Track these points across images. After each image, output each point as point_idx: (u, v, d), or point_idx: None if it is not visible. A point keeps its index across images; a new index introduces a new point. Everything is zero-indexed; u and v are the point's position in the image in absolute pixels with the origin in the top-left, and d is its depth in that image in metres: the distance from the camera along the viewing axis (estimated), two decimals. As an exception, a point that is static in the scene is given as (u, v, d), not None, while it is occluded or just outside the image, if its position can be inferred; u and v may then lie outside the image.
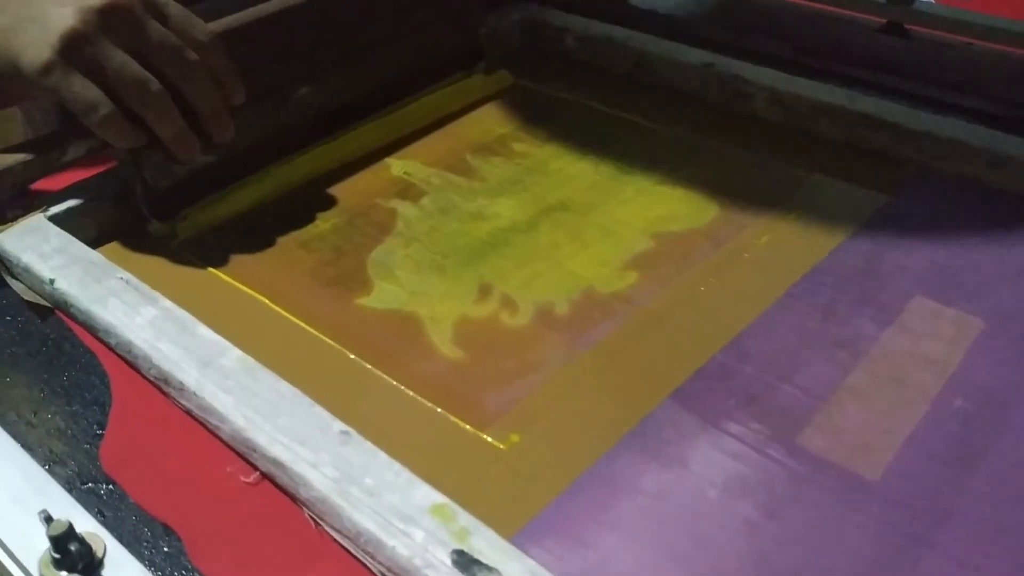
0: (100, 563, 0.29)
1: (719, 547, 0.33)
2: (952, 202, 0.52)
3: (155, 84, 0.43)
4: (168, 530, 0.33)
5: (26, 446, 0.36)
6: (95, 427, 0.38)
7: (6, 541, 0.30)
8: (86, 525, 0.31)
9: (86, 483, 0.35)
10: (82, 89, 0.42)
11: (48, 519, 0.28)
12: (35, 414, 0.39)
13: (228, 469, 0.35)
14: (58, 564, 0.28)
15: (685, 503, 0.34)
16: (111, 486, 0.35)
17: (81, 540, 0.29)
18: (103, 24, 0.42)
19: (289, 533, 0.33)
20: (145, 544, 0.32)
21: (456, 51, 0.62)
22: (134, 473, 0.36)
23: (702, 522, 0.34)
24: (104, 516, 0.33)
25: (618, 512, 0.34)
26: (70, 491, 0.33)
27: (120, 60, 0.42)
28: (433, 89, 0.61)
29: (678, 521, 0.34)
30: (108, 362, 0.41)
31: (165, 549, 0.32)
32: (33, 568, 0.29)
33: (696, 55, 0.62)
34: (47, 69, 0.42)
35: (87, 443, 0.37)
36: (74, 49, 0.42)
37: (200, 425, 0.37)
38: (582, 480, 0.35)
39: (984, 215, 0.50)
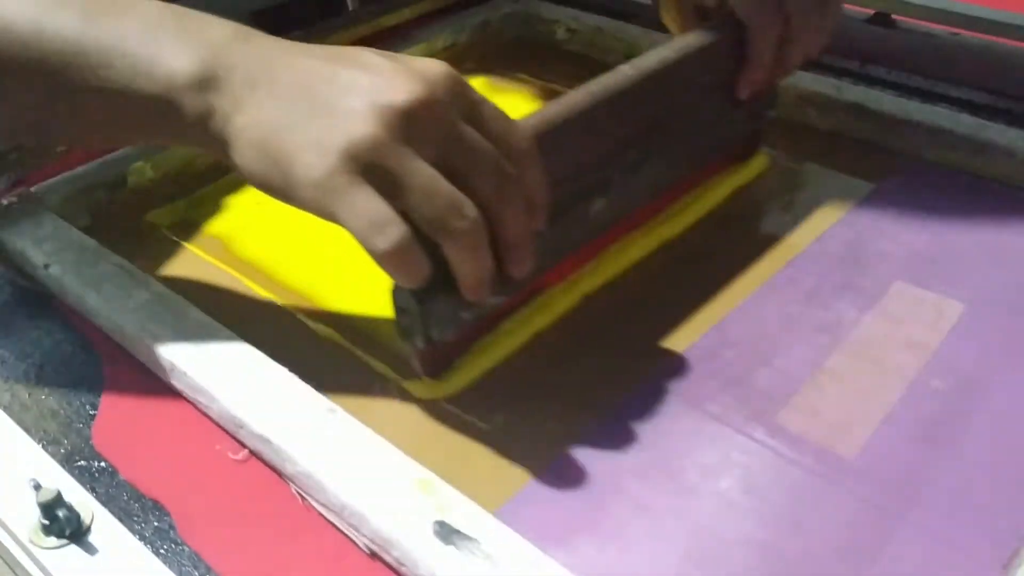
0: (88, 529, 0.30)
1: (699, 523, 0.33)
2: (936, 189, 0.52)
3: (472, 209, 0.33)
4: (158, 506, 0.34)
5: (20, 425, 0.37)
6: (88, 407, 0.38)
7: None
8: (75, 494, 0.31)
9: (78, 461, 0.36)
10: (370, 204, 0.31)
11: (37, 487, 0.29)
12: (29, 395, 0.39)
13: (217, 447, 0.36)
14: (47, 530, 0.29)
15: (666, 481, 0.35)
16: (103, 464, 0.36)
17: (69, 507, 0.29)
18: (408, 129, 0.32)
19: (276, 509, 0.34)
20: (135, 519, 0.33)
21: (742, 139, 0.53)
22: (125, 451, 0.36)
23: (683, 499, 0.34)
24: (96, 492, 0.34)
25: (599, 489, 0.35)
26: (62, 466, 0.34)
27: (428, 176, 0.32)
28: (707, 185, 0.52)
29: (658, 499, 0.34)
30: (100, 345, 0.41)
31: (155, 524, 0.33)
32: (23, 535, 0.30)
33: (686, 46, 0.63)
34: (326, 183, 0.31)
35: (80, 423, 0.38)
36: (366, 159, 0.31)
37: (190, 405, 0.38)
38: (564, 459, 0.36)
39: (967, 202, 0.51)
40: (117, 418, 0.38)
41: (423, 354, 0.38)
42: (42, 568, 0.29)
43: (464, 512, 0.30)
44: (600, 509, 0.34)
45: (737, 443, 0.36)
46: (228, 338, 0.38)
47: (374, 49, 0.35)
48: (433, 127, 0.32)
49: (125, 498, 0.34)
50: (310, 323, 0.43)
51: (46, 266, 0.43)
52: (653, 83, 0.44)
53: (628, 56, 0.64)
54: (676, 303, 0.44)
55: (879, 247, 0.47)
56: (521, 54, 0.68)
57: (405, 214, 0.32)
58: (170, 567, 0.30)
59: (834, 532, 0.33)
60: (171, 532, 0.33)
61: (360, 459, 0.32)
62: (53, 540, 0.29)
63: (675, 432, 0.37)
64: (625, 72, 0.43)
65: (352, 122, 0.31)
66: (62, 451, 0.36)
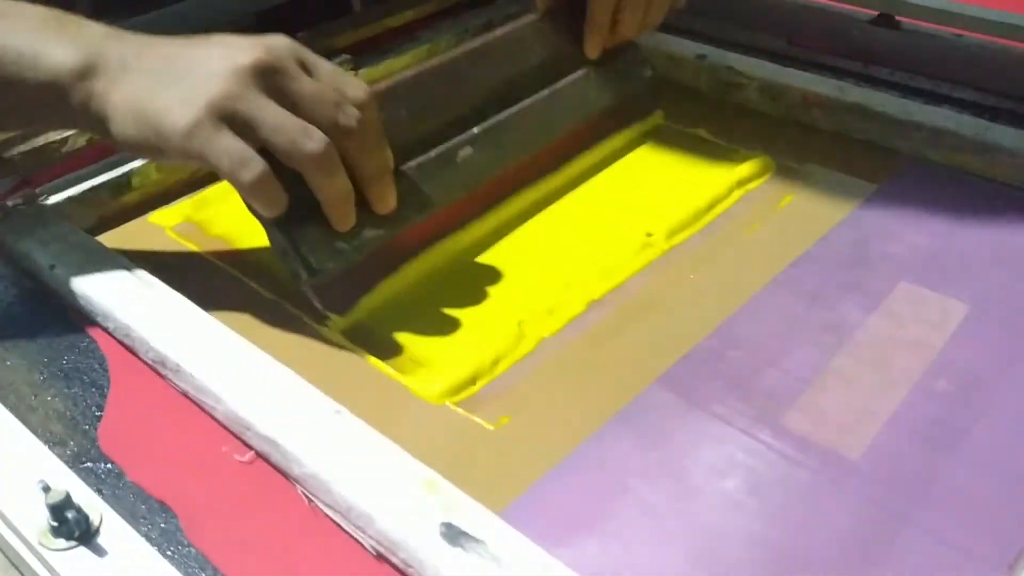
0: (96, 531, 0.30)
1: (704, 524, 0.33)
2: (940, 190, 0.52)
3: (319, 133, 0.39)
4: (165, 507, 0.34)
5: (27, 427, 0.37)
6: (94, 409, 0.38)
7: (6, 512, 0.31)
8: (83, 496, 0.31)
9: (85, 463, 0.36)
10: (233, 145, 0.38)
11: (46, 488, 0.29)
12: (35, 397, 0.39)
13: (223, 449, 0.36)
14: (55, 532, 0.29)
15: (671, 482, 0.35)
16: (109, 465, 0.36)
17: (78, 509, 0.29)
18: (256, 82, 0.38)
19: (283, 510, 0.34)
20: (142, 521, 0.33)
21: (623, 99, 0.56)
22: (132, 453, 0.36)
23: (688, 500, 0.34)
24: (103, 494, 0.34)
25: (604, 490, 0.35)
26: (69, 468, 0.34)
27: (278, 112, 0.38)
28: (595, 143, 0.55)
29: (664, 499, 0.34)
30: (106, 346, 0.41)
31: (162, 525, 0.33)
32: (32, 537, 0.30)
33: (689, 46, 0.63)
34: (193, 130, 0.38)
35: (86, 424, 0.38)
36: (224, 107, 0.38)
37: (196, 407, 0.38)
38: (570, 460, 0.36)
39: (971, 203, 0.51)
40: (123, 420, 0.38)
41: (315, 287, 0.42)
42: (51, 570, 0.29)
43: (470, 513, 0.30)
44: (606, 509, 0.34)
45: (742, 444, 0.37)
46: (234, 339, 0.38)
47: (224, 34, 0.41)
48: (277, 79, 0.39)
49: (132, 499, 0.34)
50: (315, 325, 0.43)
51: (52, 267, 0.43)
52: (499, 51, 0.51)
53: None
54: (681, 305, 0.44)
55: (883, 248, 0.47)
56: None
57: (265, 153, 0.38)
58: (177, 568, 0.31)
59: (839, 532, 0.33)
60: (178, 534, 0.33)
61: (366, 460, 0.33)
62: (62, 542, 0.29)
63: (680, 433, 0.37)
64: (470, 44, 0.51)
65: (210, 81, 0.38)
66: (68, 453, 0.36)
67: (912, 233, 0.48)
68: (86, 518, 0.30)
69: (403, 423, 0.37)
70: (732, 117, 0.60)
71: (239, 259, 0.48)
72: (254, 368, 0.37)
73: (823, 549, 0.32)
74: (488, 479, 0.35)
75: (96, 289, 0.42)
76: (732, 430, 0.37)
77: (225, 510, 0.34)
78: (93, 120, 0.40)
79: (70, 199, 0.49)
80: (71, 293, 0.43)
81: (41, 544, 0.29)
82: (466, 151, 0.48)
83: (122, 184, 0.51)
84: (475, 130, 0.48)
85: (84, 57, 0.40)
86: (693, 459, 0.36)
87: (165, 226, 0.50)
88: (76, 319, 0.43)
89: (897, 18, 0.64)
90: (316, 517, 0.33)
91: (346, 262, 0.42)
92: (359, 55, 0.62)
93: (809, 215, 0.50)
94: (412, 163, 0.45)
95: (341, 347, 0.42)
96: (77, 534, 0.29)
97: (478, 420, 0.38)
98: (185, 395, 0.38)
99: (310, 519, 0.33)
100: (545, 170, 0.52)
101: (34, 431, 0.37)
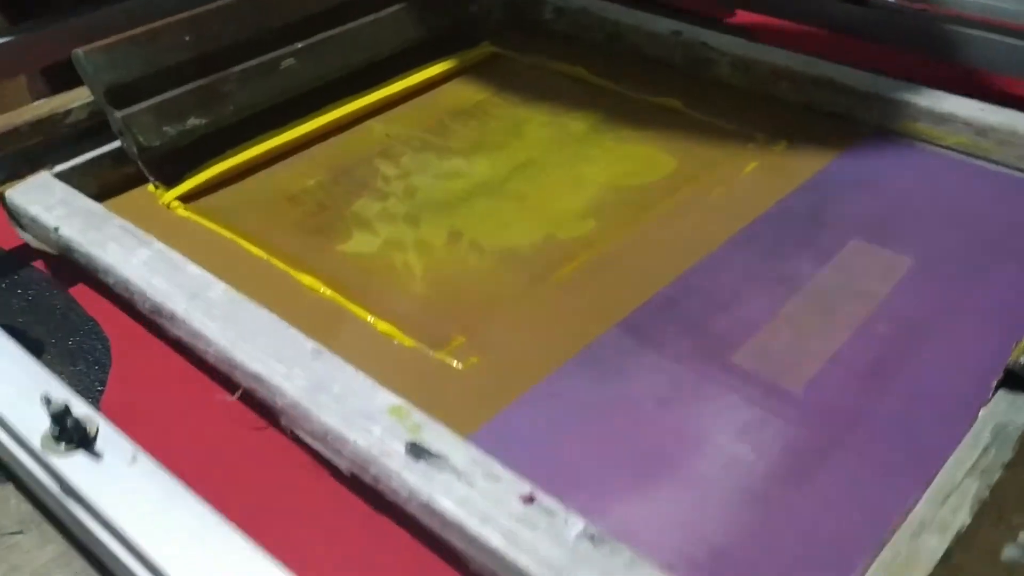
0: (94, 439, 0.33)
1: (650, 447, 0.36)
2: (897, 158, 0.55)
3: None
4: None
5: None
6: (96, 384, 0.42)
7: (12, 423, 0.34)
8: (80, 410, 0.34)
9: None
10: None
11: (48, 400, 0.32)
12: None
13: (216, 397, 0.40)
14: (57, 438, 0.32)
15: (623, 412, 0.38)
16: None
17: (77, 419, 0.32)
18: None
19: (267, 446, 0.37)
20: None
21: (447, 30, 0.66)
22: (133, 418, 0.39)
23: (638, 428, 0.37)
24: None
25: (562, 419, 0.38)
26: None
27: None
28: (419, 63, 0.64)
29: (616, 427, 0.37)
30: (110, 328, 0.45)
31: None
32: (35, 444, 0.33)
33: (665, 24, 0.66)
34: None
35: (90, 397, 0.41)
36: None
37: (189, 363, 0.41)
38: (531, 393, 0.39)
39: (925, 169, 0.54)
40: (124, 393, 0.41)
41: (148, 163, 0.52)
42: (53, 473, 0.32)
43: (433, 434, 0.33)
44: (560, 434, 0.37)
45: (690, 379, 0.39)
46: (223, 289, 0.41)
47: None
48: None
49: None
50: (299, 276, 0.46)
51: (56, 229, 0.47)
52: None
53: (612, 36, 0.68)
54: (643, 258, 0.47)
55: (839, 209, 0.50)
56: (509, 34, 0.70)
57: None
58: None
59: (776, 455, 0.36)
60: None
61: (342, 391, 0.35)
62: (63, 446, 0.32)
63: (634, 370, 0.40)
64: None
65: None
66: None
67: (866, 196, 0.51)
68: (84, 427, 0.33)
69: (378, 362, 0.40)
70: (705, 91, 0.62)
71: (233, 221, 0.51)
72: (242, 314, 0.40)
73: (761, 469, 0.35)
74: (455, 411, 0.38)
75: (97, 247, 0.45)
76: (681, 367, 0.40)
77: (214, 450, 0.37)
78: None
79: (74, 168, 0.52)
80: (74, 252, 0.46)
81: (44, 448, 0.32)
82: (288, 61, 0.58)
83: (123, 155, 0.54)
84: (298, 44, 0.58)
85: None
86: (644, 392, 0.39)
87: (162, 194, 0.53)
88: (83, 302, 0.46)
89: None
90: (296, 450, 0.36)
91: (172, 143, 0.52)
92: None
93: (771, 180, 0.53)
94: (238, 67, 0.55)
95: (324, 298, 0.45)
96: (76, 439, 0.33)
97: (449, 360, 0.41)
98: (179, 342, 0.41)
99: (291, 450, 0.36)
100: (366, 86, 0.61)
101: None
